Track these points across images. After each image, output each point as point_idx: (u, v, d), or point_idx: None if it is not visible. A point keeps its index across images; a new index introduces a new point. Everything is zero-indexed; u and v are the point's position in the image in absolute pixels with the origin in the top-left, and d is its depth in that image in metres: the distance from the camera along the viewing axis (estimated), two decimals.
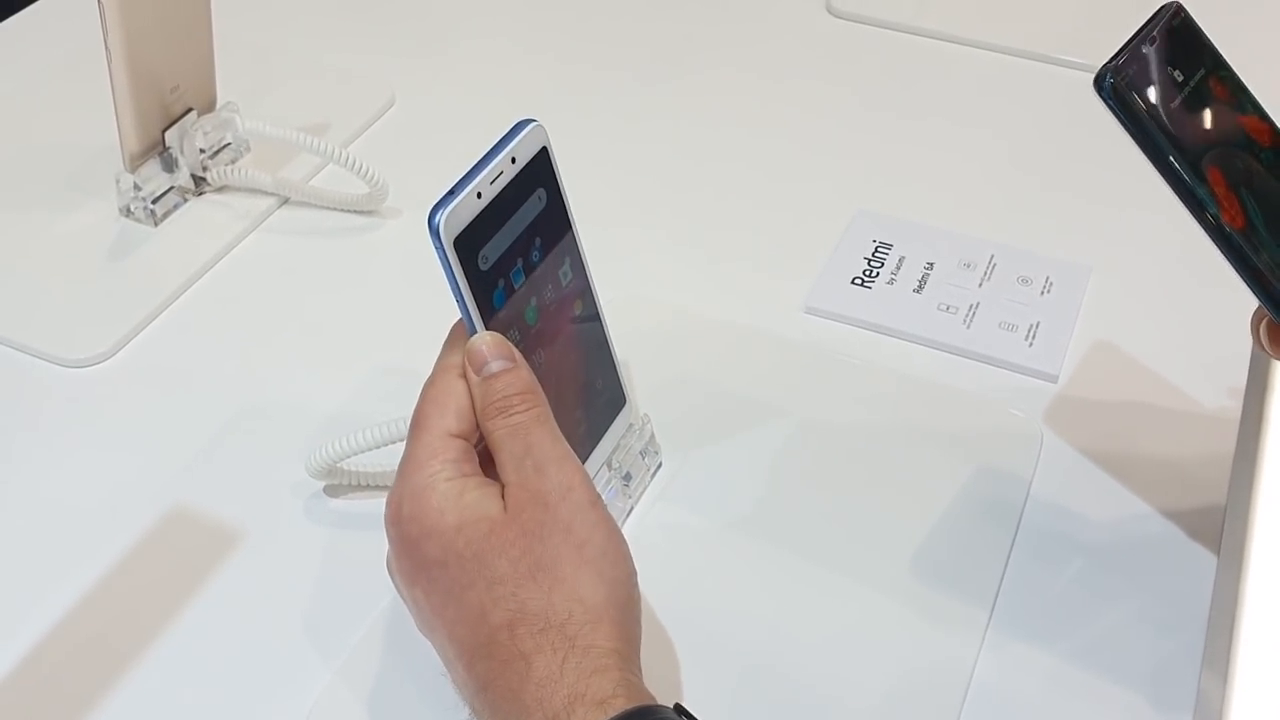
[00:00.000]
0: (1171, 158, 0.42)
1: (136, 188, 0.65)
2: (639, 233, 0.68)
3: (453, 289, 0.42)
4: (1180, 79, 0.43)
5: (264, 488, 0.54)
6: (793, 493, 0.54)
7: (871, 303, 0.62)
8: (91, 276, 0.64)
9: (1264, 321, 0.46)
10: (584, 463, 0.49)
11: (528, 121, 0.44)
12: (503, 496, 0.41)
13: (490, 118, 0.44)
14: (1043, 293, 0.63)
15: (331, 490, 0.54)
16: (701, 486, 0.54)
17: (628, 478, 0.52)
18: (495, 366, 0.42)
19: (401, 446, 0.50)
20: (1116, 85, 0.41)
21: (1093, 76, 0.41)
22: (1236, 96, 0.45)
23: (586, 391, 0.49)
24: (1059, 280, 0.64)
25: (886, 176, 0.72)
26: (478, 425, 0.42)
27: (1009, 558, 0.51)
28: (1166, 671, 0.48)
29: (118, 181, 0.66)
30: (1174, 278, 0.65)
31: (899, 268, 0.64)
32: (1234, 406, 0.56)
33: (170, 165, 0.66)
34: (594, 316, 0.49)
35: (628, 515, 0.52)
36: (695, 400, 0.58)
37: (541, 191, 0.45)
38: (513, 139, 0.43)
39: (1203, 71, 0.44)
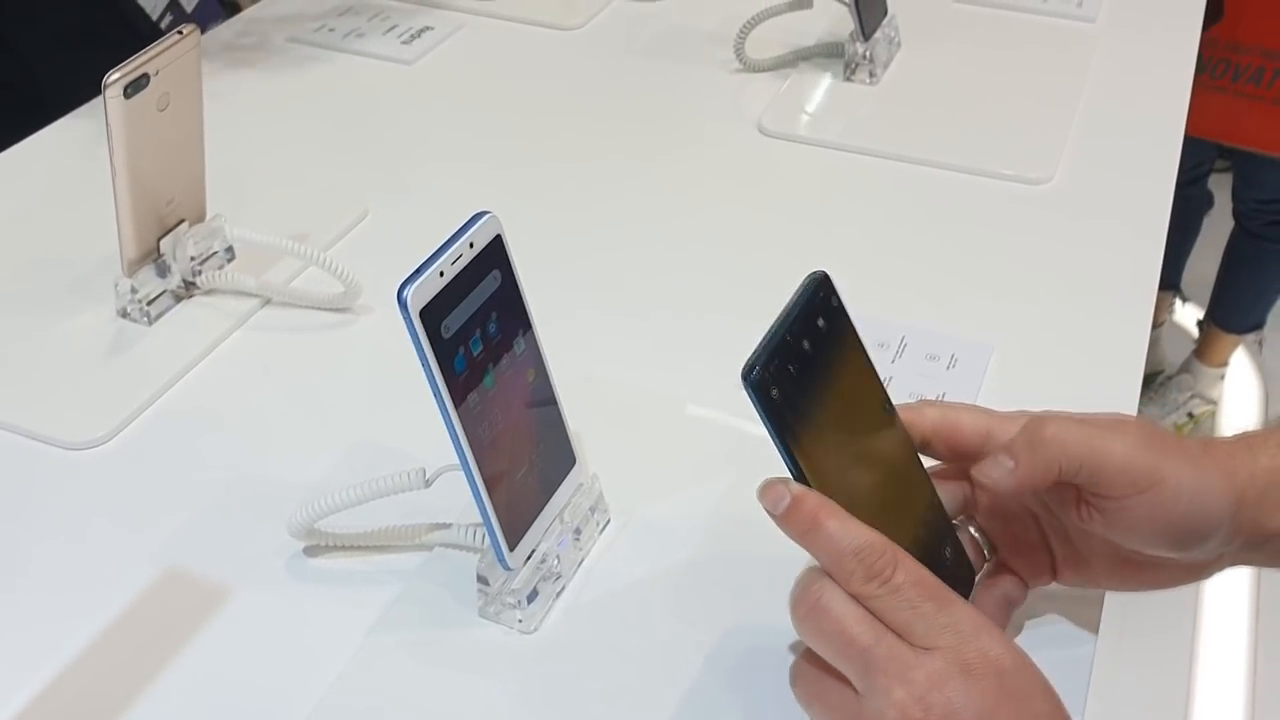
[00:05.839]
0: (792, 451, 0.45)
1: (133, 291, 0.72)
2: (593, 323, 0.75)
3: (419, 354, 0.48)
4: (809, 350, 0.46)
5: (249, 550, 0.60)
6: (728, 546, 0.60)
7: None
8: (92, 370, 0.71)
9: None
10: (537, 516, 0.56)
11: (484, 213, 0.52)
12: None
13: (455, 226, 0.51)
14: (948, 368, 0.71)
15: (310, 550, 0.60)
16: (645, 542, 0.60)
17: (578, 532, 0.59)
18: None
19: (369, 506, 0.57)
20: (759, 381, 0.44)
21: (741, 371, 0.44)
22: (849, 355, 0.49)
23: (539, 450, 0.56)
24: (963, 357, 0.71)
25: (809, 269, 0.79)
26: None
27: None
28: None
29: (116, 286, 0.73)
30: (1066, 355, 0.73)
31: None
32: None
33: (164, 271, 0.74)
34: (546, 383, 0.56)
35: (578, 566, 0.59)
36: (642, 466, 0.64)
37: (496, 272, 0.52)
38: (471, 227, 0.51)
39: (825, 339, 0.47)
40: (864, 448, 0.49)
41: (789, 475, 0.46)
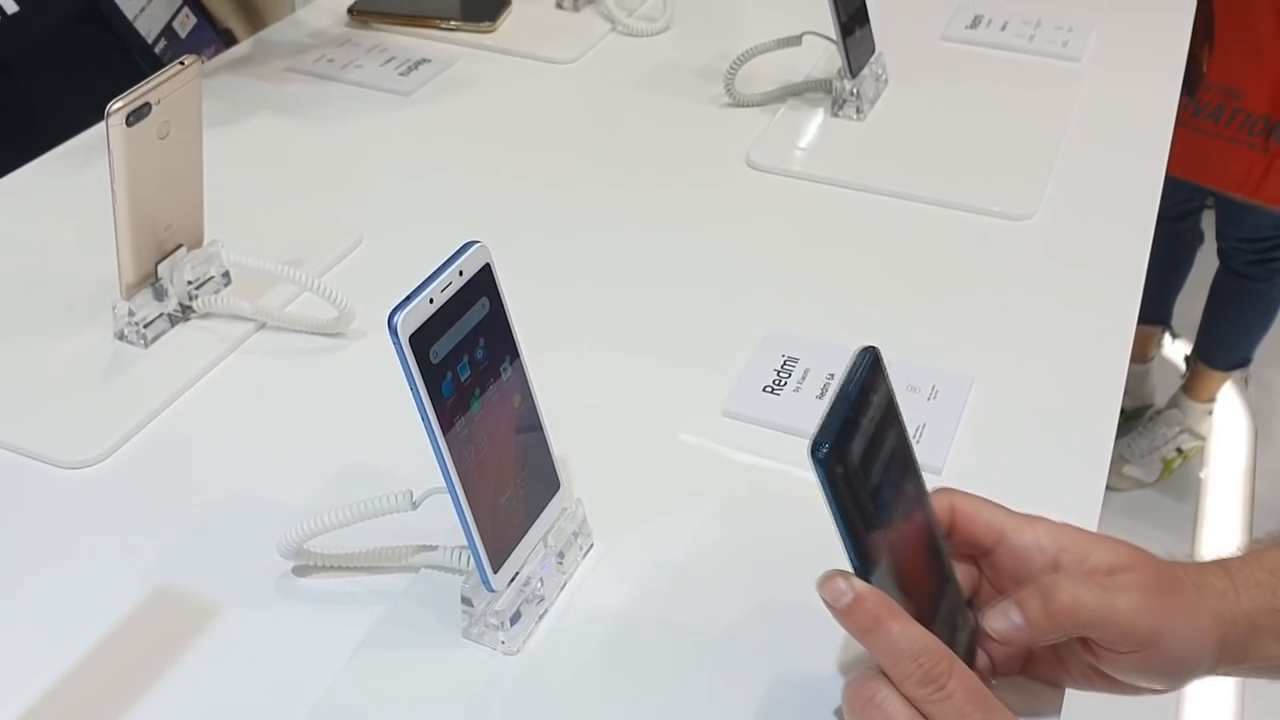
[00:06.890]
0: (854, 533, 0.46)
1: (131, 314, 0.74)
2: (581, 350, 0.77)
3: (408, 379, 0.50)
4: (866, 428, 0.46)
5: (239, 569, 0.61)
6: (709, 572, 0.61)
7: (780, 408, 0.71)
8: (88, 391, 0.72)
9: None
10: (521, 539, 0.57)
11: (473, 242, 0.53)
12: None
13: (446, 254, 0.52)
14: (929, 399, 0.72)
15: (299, 570, 0.61)
16: (628, 566, 0.61)
17: (561, 555, 0.60)
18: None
19: (357, 527, 0.58)
20: (828, 458, 0.44)
21: (810, 446, 0.44)
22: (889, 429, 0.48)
23: (523, 474, 0.57)
24: (944, 388, 0.73)
25: (793, 301, 0.82)
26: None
27: None
28: None
29: (114, 309, 0.74)
30: (1045, 388, 0.74)
31: (804, 378, 0.73)
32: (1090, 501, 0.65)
33: (161, 294, 0.75)
34: (531, 409, 0.57)
35: (561, 589, 0.60)
36: (625, 491, 0.66)
37: (485, 300, 0.53)
38: (461, 256, 0.52)
39: (877, 415, 0.47)
40: (905, 525, 0.49)
41: (843, 553, 0.46)
